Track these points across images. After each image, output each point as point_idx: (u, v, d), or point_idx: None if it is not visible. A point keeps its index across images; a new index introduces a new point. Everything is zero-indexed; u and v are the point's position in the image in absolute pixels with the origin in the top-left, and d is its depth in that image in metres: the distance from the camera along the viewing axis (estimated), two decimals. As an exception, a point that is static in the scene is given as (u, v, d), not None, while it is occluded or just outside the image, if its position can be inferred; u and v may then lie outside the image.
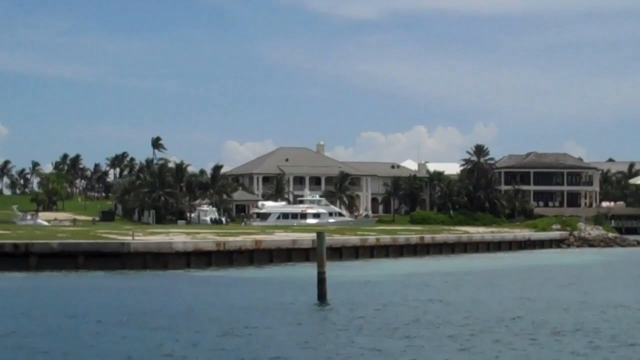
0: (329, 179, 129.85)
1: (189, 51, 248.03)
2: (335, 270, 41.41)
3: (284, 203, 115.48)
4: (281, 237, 62.23)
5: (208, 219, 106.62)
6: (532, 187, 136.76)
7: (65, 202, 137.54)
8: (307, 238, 58.63)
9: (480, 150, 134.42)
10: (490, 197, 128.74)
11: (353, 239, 64.75)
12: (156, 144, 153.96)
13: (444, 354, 21.47)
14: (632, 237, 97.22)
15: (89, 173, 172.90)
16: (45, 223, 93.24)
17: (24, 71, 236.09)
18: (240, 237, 58.42)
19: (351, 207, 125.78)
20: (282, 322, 26.84)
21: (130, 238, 52.20)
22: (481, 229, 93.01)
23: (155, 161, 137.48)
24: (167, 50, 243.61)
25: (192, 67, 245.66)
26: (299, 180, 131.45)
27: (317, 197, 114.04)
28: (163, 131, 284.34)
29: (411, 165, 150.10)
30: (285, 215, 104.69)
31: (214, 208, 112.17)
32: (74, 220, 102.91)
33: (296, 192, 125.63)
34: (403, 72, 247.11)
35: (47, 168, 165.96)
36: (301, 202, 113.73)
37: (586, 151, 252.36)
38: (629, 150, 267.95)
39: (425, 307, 30.96)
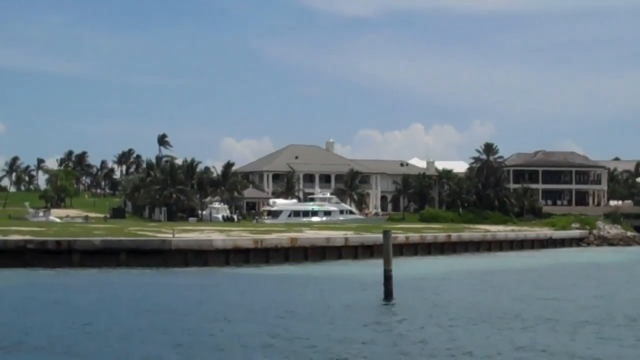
0: (338, 177, 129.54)
1: (187, 47, 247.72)
2: (372, 269, 40.86)
3: (294, 201, 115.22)
4: (315, 234, 62.44)
5: (220, 216, 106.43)
6: (540, 186, 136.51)
7: (72, 199, 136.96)
8: (339, 236, 61.14)
9: (489, 148, 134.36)
10: (499, 195, 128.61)
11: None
12: (162, 141, 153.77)
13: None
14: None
15: (94, 170, 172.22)
16: (58, 220, 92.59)
17: (23, 67, 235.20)
18: (275, 235, 58.40)
19: (360, 204, 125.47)
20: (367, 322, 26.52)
21: (170, 235, 51.95)
22: (501, 227, 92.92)
23: (163, 158, 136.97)
24: (167, 47, 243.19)
25: (189, 64, 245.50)
26: (309, 178, 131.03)
27: (328, 195, 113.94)
28: (163, 128, 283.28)
29: (417, 163, 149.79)
30: (296, 213, 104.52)
31: (226, 205, 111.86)
32: (86, 217, 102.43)
33: (306, 190, 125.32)
34: (400, 69, 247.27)
35: (51, 164, 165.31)
36: (312, 199, 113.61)
37: (584, 150, 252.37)
38: (633, 149, 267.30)
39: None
